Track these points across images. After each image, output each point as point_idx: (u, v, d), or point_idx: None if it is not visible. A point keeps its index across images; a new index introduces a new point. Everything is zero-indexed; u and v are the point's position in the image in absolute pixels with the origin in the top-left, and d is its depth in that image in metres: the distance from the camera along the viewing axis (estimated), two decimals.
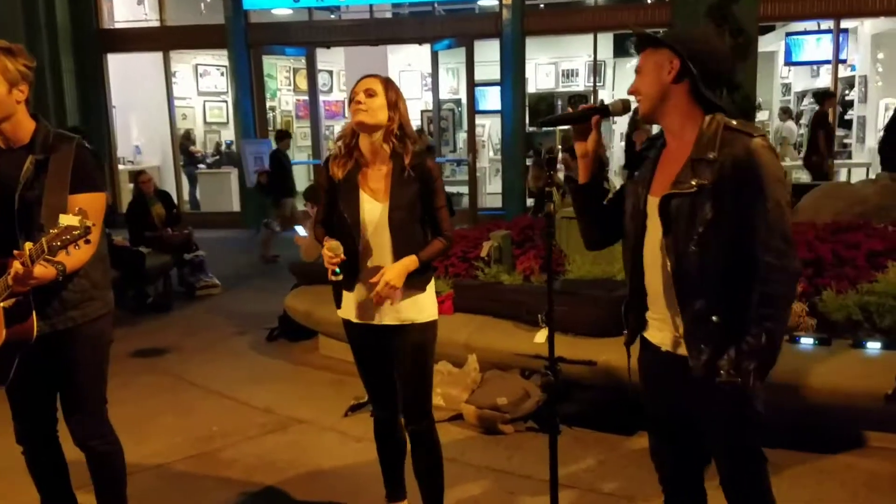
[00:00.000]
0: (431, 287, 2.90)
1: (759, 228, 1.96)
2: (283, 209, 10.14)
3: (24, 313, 2.45)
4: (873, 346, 3.88)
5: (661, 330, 2.18)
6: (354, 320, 2.90)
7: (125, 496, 2.91)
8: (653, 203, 2.11)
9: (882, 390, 3.50)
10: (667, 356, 2.16)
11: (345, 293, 2.89)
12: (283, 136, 10.98)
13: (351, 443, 4.10)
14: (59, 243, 2.19)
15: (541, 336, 4.31)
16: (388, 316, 2.81)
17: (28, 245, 2.24)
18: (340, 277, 2.70)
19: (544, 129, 12.96)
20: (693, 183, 2.00)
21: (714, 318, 2.02)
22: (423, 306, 2.85)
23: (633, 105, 2.23)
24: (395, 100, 2.77)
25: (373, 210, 2.77)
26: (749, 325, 1.97)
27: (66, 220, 2.20)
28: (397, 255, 2.75)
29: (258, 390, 5.03)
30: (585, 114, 2.24)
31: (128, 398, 4.66)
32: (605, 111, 2.23)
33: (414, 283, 2.78)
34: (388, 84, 2.80)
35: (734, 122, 2.04)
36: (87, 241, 2.23)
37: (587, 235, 2.41)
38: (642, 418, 2.38)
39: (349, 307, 2.89)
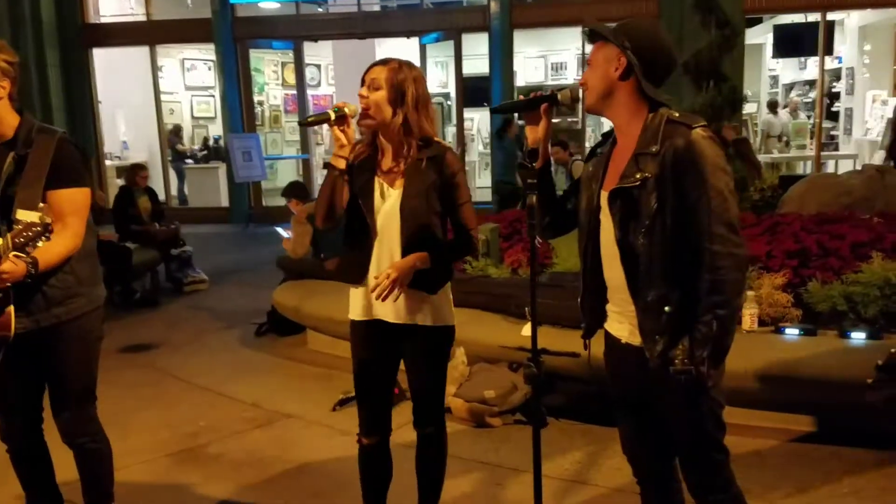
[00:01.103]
0: (446, 291, 2.74)
1: (703, 217, 1.98)
2: None
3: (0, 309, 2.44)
4: (858, 336, 3.90)
5: (620, 322, 2.21)
6: (358, 318, 2.73)
7: (112, 492, 2.91)
8: (605, 198, 2.14)
9: None
10: (627, 347, 2.19)
11: (352, 290, 2.73)
12: None
13: (338, 437, 4.10)
14: (21, 240, 2.20)
15: (528, 329, 4.29)
16: (392, 314, 2.64)
17: None
18: (332, 116, 2.53)
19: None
20: (637, 176, 2.04)
21: (666, 308, 2.03)
22: (435, 309, 2.67)
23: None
24: (399, 95, 2.54)
25: (386, 197, 2.61)
26: (700, 313, 1.99)
27: (26, 216, 2.21)
28: (407, 246, 2.57)
29: (246, 385, 5.02)
30: (534, 102, 2.28)
31: (115, 394, 4.63)
32: (554, 100, 2.27)
33: (423, 282, 2.60)
34: (397, 73, 2.56)
35: (676, 115, 2.06)
36: (48, 238, 2.24)
37: (539, 221, 2.42)
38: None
39: (356, 305, 2.73)
